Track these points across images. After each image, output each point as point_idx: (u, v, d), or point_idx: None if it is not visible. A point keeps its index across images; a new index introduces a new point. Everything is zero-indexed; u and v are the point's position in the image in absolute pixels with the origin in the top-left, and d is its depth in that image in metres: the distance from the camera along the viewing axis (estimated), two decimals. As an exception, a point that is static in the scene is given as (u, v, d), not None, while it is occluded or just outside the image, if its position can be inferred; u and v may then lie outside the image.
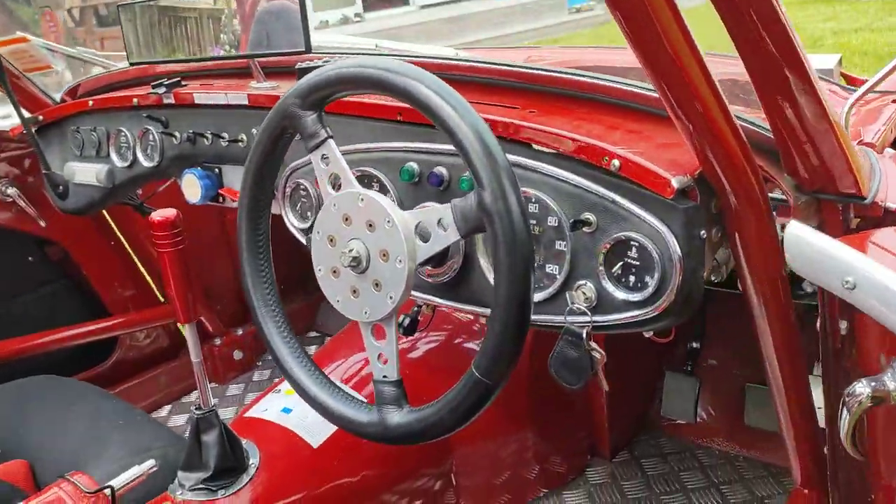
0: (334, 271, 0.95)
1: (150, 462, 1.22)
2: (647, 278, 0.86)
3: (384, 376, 0.94)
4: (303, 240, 1.23)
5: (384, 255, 0.89)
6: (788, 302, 0.99)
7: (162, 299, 2.18)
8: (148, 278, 2.13)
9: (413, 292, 1.09)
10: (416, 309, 1.27)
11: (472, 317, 1.69)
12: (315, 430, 1.41)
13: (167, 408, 2.16)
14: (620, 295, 0.88)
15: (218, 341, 2.28)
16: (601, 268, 0.89)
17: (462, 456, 1.57)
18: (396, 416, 0.92)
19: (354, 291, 0.93)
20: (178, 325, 1.25)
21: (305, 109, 0.91)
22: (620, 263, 0.88)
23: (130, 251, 2.07)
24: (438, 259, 1.02)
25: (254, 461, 1.33)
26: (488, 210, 0.78)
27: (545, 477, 1.66)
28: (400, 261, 0.88)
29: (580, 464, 1.73)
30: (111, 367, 2.12)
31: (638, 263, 0.87)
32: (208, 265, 2.27)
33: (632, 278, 0.88)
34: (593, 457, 1.77)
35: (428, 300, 1.09)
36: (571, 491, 1.67)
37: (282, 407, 1.46)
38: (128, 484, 1.18)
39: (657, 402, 1.86)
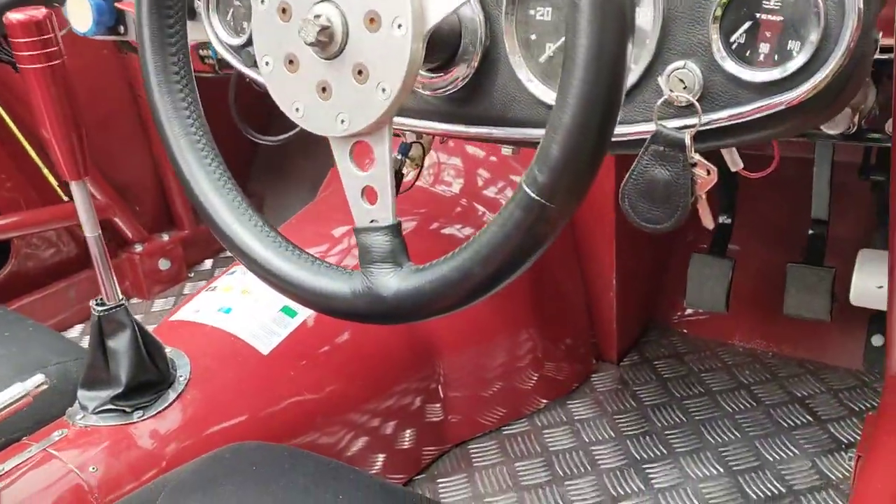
0: (290, 60, 0.61)
1: (39, 378, 0.87)
2: (792, 43, 0.55)
3: (372, 221, 0.61)
4: (237, 63, 0.87)
5: (372, 18, 0.56)
6: None
7: (65, 198, 1.78)
8: (44, 170, 1.72)
9: (400, 119, 0.75)
10: (399, 157, 0.94)
11: (457, 191, 1.37)
12: (265, 333, 1.09)
13: (79, 327, 1.80)
14: (747, 74, 0.56)
15: (139, 249, 1.91)
16: (715, 36, 0.57)
17: (450, 364, 1.27)
18: (394, 279, 0.60)
19: (324, 88, 0.60)
20: (67, 181, 0.88)
21: None
22: (747, 25, 0.56)
23: (15, 130, 1.65)
24: (445, 58, 0.68)
25: (182, 373, 1.00)
26: None
27: (545, 386, 1.38)
28: (399, 25, 0.55)
29: (585, 370, 1.46)
30: (5, 280, 1.73)
31: (780, 20, 0.55)
32: (121, 157, 1.87)
33: (763, 48, 0.56)
34: (598, 361, 1.50)
35: (424, 128, 0.75)
36: (577, 401, 1.40)
37: (219, 306, 1.13)
38: (7, 406, 0.83)
39: (669, 293, 1.59)
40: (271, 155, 2.18)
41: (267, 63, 0.63)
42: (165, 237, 1.96)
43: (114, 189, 1.86)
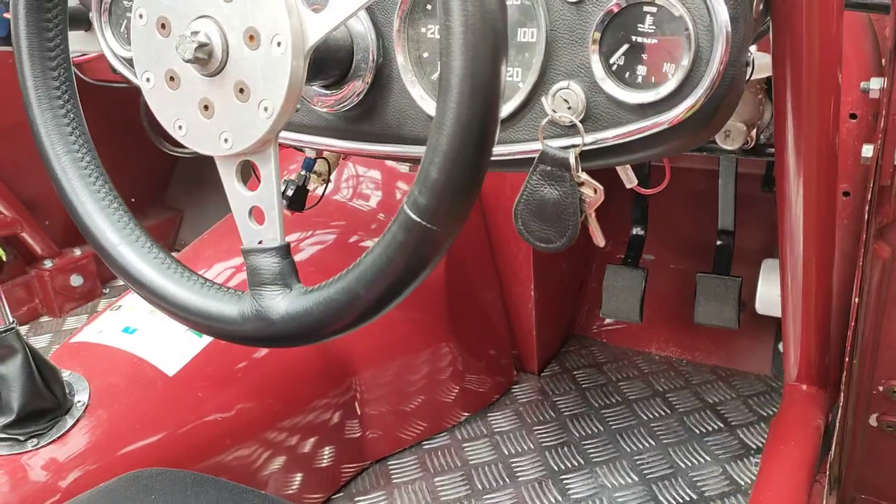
0: (171, 77, 0.59)
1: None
2: (667, 66, 0.56)
3: (260, 242, 0.60)
4: (130, 76, 0.85)
5: (251, 36, 0.54)
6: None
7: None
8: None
9: (297, 135, 0.74)
10: (303, 173, 0.92)
11: (374, 205, 1.36)
12: (171, 353, 1.05)
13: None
14: (624, 96, 0.57)
15: (49, 265, 1.83)
16: (595, 57, 0.58)
17: (368, 379, 1.26)
18: (282, 302, 0.59)
19: (206, 107, 0.58)
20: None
21: None
22: (625, 48, 0.57)
23: None
24: (337, 75, 0.68)
25: (81, 398, 0.96)
26: None
27: (466, 399, 1.38)
28: (279, 43, 0.53)
29: (506, 381, 1.46)
30: None
31: (655, 42, 0.56)
32: (29, 170, 1.80)
33: (641, 70, 0.57)
34: (519, 372, 1.51)
35: (320, 145, 0.74)
36: (497, 413, 1.40)
37: (123, 326, 1.09)
38: None
39: (589, 303, 1.62)
40: (191, 167, 2.13)
41: (148, 79, 0.61)
42: (77, 252, 1.89)
43: (21, 203, 1.78)
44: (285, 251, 0.60)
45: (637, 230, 1.41)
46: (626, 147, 0.60)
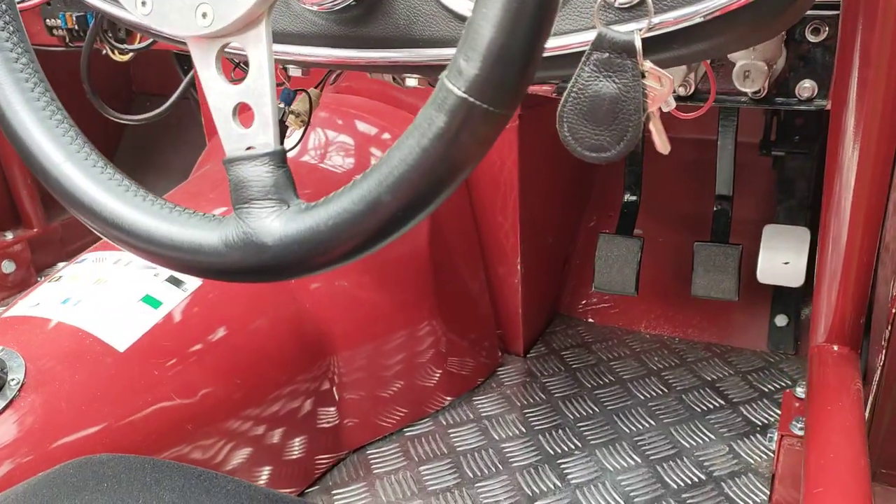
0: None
1: None
2: None
3: (248, 147, 0.48)
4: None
5: None
6: None
7: None
8: None
9: (280, 46, 0.62)
10: (281, 106, 0.80)
11: (349, 167, 1.24)
12: (120, 326, 0.91)
13: None
14: None
15: (-25, 250, 1.65)
16: None
17: (345, 361, 1.13)
18: (277, 221, 0.47)
19: (178, -28, 0.46)
20: None
21: None
22: None
23: None
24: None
25: (15, 377, 0.81)
26: None
27: (449, 382, 1.27)
28: None
29: (491, 363, 1.36)
30: None
31: None
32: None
33: None
34: (503, 354, 1.40)
35: (310, 57, 0.62)
36: (483, 396, 1.29)
37: (64, 298, 0.94)
38: None
39: (574, 282, 1.52)
40: (136, 145, 1.97)
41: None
42: (10, 236, 1.71)
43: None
44: (281, 158, 0.48)
45: (630, 196, 1.32)
46: (694, 33, 0.50)
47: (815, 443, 0.71)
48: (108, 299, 0.94)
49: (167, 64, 1.60)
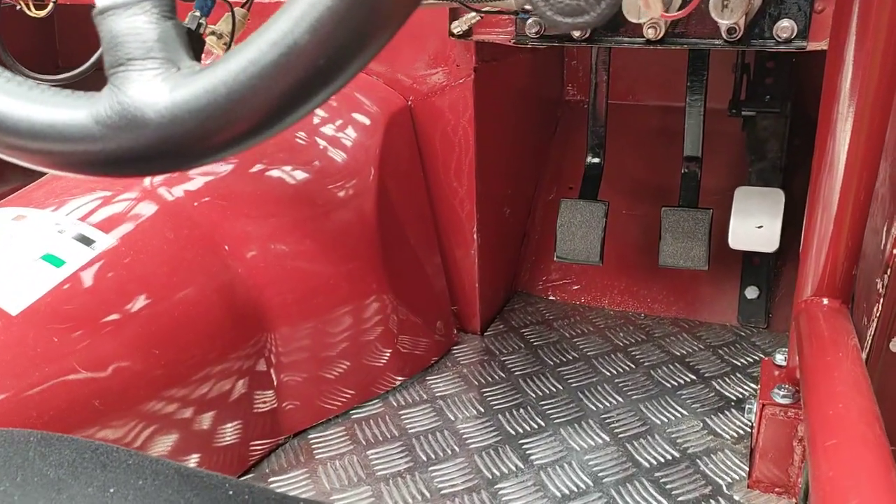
0: None
1: None
2: None
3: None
4: None
5: None
6: None
7: None
8: None
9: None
10: (196, 14, 0.69)
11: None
12: (13, 286, 0.78)
13: None
14: None
15: None
16: None
17: (283, 338, 1.02)
18: (164, 86, 0.36)
19: None
20: None
21: None
22: None
23: None
24: None
25: None
26: None
27: (400, 362, 1.16)
28: None
29: (446, 341, 1.25)
30: None
31: None
32: None
33: None
34: (459, 332, 1.30)
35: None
36: (437, 376, 1.19)
37: (-52, 256, 0.81)
38: None
39: (530, 258, 1.43)
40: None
41: None
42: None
43: None
44: (169, 7, 0.37)
45: (593, 159, 1.23)
46: None
47: (815, 398, 0.63)
48: (1, 257, 0.81)
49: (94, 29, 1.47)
